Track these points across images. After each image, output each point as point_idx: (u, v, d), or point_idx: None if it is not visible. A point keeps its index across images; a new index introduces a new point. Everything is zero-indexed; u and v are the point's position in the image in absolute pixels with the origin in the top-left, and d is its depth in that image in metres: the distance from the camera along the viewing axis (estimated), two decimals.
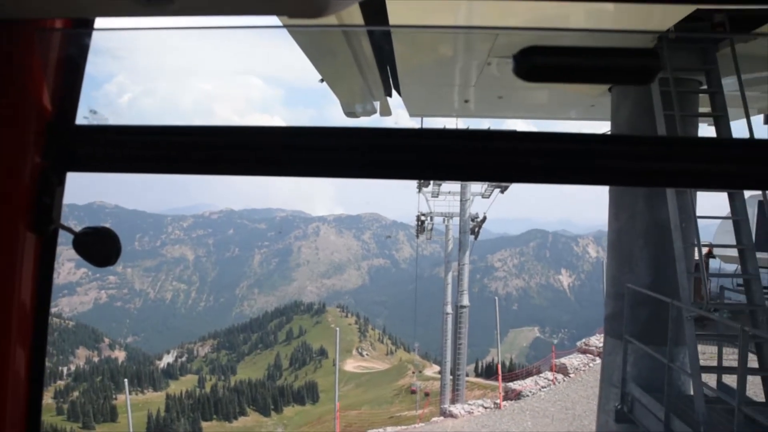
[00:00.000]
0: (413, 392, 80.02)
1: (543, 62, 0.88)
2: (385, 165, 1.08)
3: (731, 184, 1.11)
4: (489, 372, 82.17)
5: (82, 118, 1.15)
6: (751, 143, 1.03)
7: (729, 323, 7.28)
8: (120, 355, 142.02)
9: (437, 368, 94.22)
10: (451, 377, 26.58)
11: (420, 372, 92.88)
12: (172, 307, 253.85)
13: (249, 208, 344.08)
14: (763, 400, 6.68)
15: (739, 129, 8.30)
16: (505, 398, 18.68)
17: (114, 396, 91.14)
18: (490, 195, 25.08)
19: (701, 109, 7.75)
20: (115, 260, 1.09)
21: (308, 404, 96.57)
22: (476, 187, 26.04)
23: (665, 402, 7.20)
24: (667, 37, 6.97)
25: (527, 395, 18.72)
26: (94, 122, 1.16)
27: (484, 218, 26.38)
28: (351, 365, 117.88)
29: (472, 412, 18.01)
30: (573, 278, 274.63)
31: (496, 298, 17.54)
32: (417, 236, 33.69)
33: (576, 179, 1.05)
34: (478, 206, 22.81)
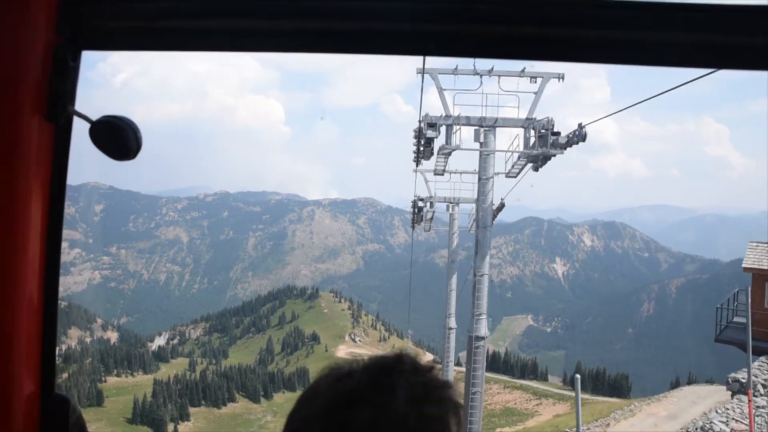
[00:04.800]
0: None
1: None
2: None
3: None
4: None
5: None
6: None
7: None
8: (113, 336, 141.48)
9: (430, 356, 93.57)
10: None
11: None
12: (166, 288, 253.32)
13: (244, 191, 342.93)
14: None
15: None
16: None
17: (103, 378, 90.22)
18: (518, 173, 16.21)
19: None
20: (135, 154, 0.98)
21: (299, 390, 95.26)
22: (500, 164, 16.78)
23: None
24: None
25: None
26: None
27: (502, 205, 18.31)
28: (343, 351, 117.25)
29: None
30: (567, 267, 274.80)
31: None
32: (413, 227, 27.19)
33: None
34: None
